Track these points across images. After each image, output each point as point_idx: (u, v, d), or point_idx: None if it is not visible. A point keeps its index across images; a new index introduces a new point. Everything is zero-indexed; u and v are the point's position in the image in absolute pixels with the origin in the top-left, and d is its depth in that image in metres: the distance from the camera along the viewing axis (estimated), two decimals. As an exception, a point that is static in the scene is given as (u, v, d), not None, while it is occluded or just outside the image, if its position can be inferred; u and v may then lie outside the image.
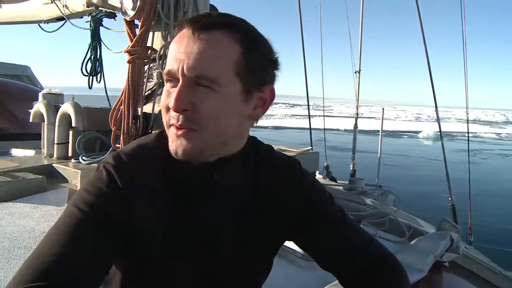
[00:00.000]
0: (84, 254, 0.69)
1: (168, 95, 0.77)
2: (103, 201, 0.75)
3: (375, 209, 2.96)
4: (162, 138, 0.85)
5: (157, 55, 2.87)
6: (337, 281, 1.64)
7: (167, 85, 0.79)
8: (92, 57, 3.55)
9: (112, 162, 0.79)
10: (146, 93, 3.02)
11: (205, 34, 0.74)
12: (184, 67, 0.74)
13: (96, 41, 3.56)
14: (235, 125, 0.81)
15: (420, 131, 30.06)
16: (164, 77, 0.79)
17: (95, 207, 0.74)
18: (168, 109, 0.77)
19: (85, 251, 0.70)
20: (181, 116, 0.75)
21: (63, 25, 3.90)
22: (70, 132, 3.44)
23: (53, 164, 3.17)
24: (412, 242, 2.45)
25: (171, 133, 0.78)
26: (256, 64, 0.79)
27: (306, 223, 0.94)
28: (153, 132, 3.20)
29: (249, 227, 0.87)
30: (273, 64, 0.83)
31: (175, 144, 0.77)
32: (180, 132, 0.76)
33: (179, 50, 0.75)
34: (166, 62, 2.52)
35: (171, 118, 0.77)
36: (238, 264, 0.88)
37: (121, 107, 2.86)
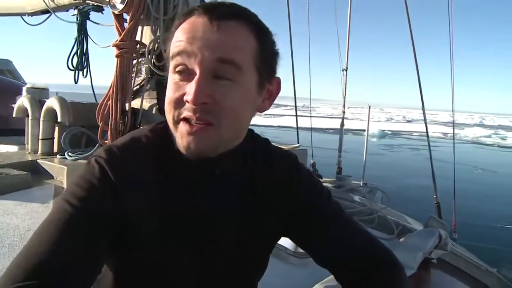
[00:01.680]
0: (76, 250, 0.67)
1: (178, 88, 0.73)
2: (95, 195, 0.72)
3: (364, 206, 2.97)
4: (157, 131, 0.83)
5: (146, 49, 2.83)
6: (329, 277, 1.65)
7: (176, 77, 0.74)
8: (79, 51, 3.49)
9: (104, 156, 0.76)
10: (135, 88, 2.98)
11: (224, 24, 0.72)
12: (204, 58, 0.70)
13: (82, 35, 3.49)
14: (249, 119, 0.80)
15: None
16: (171, 68, 0.75)
17: (86, 201, 0.71)
18: (177, 103, 0.73)
19: (77, 247, 0.67)
20: (199, 109, 0.71)
21: (47, 18, 3.82)
22: (56, 128, 3.37)
23: (37, 160, 3.10)
24: (401, 239, 2.47)
25: (182, 128, 0.74)
26: (268, 55, 0.79)
27: (303, 218, 0.93)
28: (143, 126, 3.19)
29: (246, 221, 0.86)
30: (278, 56, 0.82)
31: (187, 140, 0.73)
32: (195, 127, 0.72)
33: (195, 39, 0.71)
34: (154, 57, 2.45)
35: (182, 112, 0.73)
36: (234, 260, 0.86)
37: (108, 102, 2.82)
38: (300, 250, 2.10)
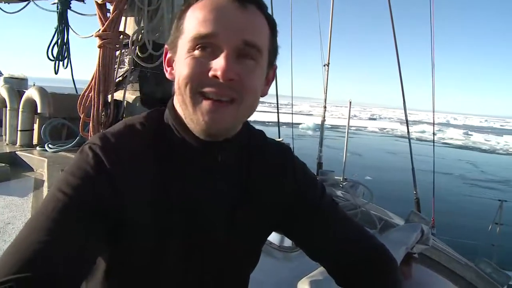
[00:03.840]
0: (71, 241, 0.64)
1: (200, 64, 0.72)
2: (89, 184, 0.69)
3: (347, 201, 2.98)
4: (152, 118, 0.81)
5: (129, 40, 2.77)
6: (314, 272, 1.65)
7: (196, 53, 0.72)
8: (59, 41, 3.40)
9: (98, 143, 0.73)
10: (117, 80, 2.92)
11: (248, 7, 0.73)
12: (232, 37, 0.71)
13: (63, 24, 3.41)
14: (258, 101, 0.81)
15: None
16: (188, 45, 0.73)
17: (81, 190, 0.68)
18: (198, 78, 0.72)
19: (72, 238, 0.64)
20: (225, 85, 0.70)
21: (26, 5, 3.71)
22: (36, 119, 3.29)
23: (16, 152, 3.02)
24: (384, 234, 2.48)
25: (205, 105, 0.72)
26: (275, 42, 0.82)
27: (298, 211, 0.92)
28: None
29: (240, 212, 0.84)
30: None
31: (210, 116, 0.72)
32: (219, 104, 0.72)
33: (223, 18, 0.71)
34: (138, 48, 2.39)
35: (204, 88, 0.72)
36: (226, 253, 0.85)
37: (90, 94, 2.75)
38: (285, 244, 2.10)
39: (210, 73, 0.71)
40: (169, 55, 0.81)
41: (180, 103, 0.76)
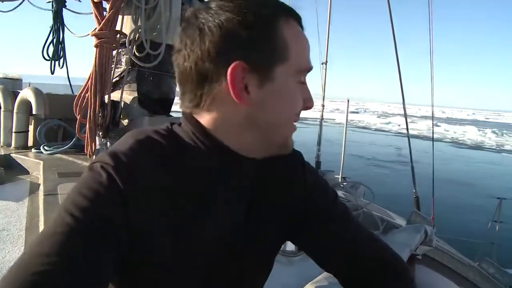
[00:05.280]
0: (80, 270, 0.58)
1: (306, 92, 0.76)
2: (102, 207, 0.63)
3: (349, 202, 2.95)
4: (164, 135, 0.74)
5: (126, 39, 2.71)
6: (319, 277, 1.61)
7: (302, 80, 0.75)
8: (55, 40, 3.34)
9: (110, 162, 0.66)
10: (114, 80, 2.87)
11: None
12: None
13: (58, 23, 3.34)
14: None
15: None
16: (301, 75, 0.75)
17: (92, 213, 0.62)
18: (307, 106, 0.78)
19: (81, 267, 0.59)
20: None
21: (20, 4, 3.65)
22: (32, 120, 3.23)
23: (11, 154, 2.96)
24: (387, 236, 2.45)
25: (293, 128, 0.77)
26: None
27: (309, 219, 0.88)
28: (123, 121, 3.09)
29: (252, 225, 0.80)
30: None
31: (291, 139, 0.79)
32: None
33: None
34: (135, 47, 2.33)
35: (299, 114, 0.77)
36: (243, 266, 0.80)
37: (86, 94, 2.70)
38: (288, 249, 2.06)
39: (306, 105, 0.77)
40: (249, 75, 0.69)
41: (265, 123, 0.74)
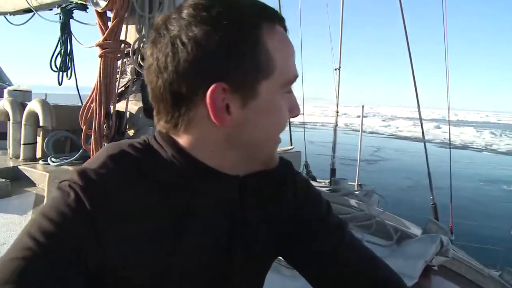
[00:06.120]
0: None
1: (293, 100, 0.72)
2: (68, 230, 0.58)
3: (361, 211, 2.86)
4: (140, 149, 0.68)
5: (131, 49, 2.69)
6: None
7: (287, 95, 0.71)
8: (62, 51, 3.34)
9: (78, 182, 0.61)
10: (119, 90, 2.85)
11: None
12: None
13: (66, 34, 3.34)
14: None
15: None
16: (283, 85, 0.68)
17: (57, 238, 0.58)
18: (293, 115, 0.73)
19: None
20: None
21: (31, 17, 3.69)
22: (40, 132, 3.22)
23: (19, 166, 2.95)
24: (401, 246, 2.36)
25: (277, 142, 0.73)
26: None
27: (299, 234, 0.83)
28: (129, 131, 3.08)
29: (237, 242, 0.74)
30: None
31: (276, 153, 0.74)
32: None
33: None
34: (140, 57, 2.30)
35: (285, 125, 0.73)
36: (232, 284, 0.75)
37: (92, 105, 2.68)
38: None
39: (292, 114, 0.72)
40: (230, 96, 0.63)
41: (248, 142, 0.68)
